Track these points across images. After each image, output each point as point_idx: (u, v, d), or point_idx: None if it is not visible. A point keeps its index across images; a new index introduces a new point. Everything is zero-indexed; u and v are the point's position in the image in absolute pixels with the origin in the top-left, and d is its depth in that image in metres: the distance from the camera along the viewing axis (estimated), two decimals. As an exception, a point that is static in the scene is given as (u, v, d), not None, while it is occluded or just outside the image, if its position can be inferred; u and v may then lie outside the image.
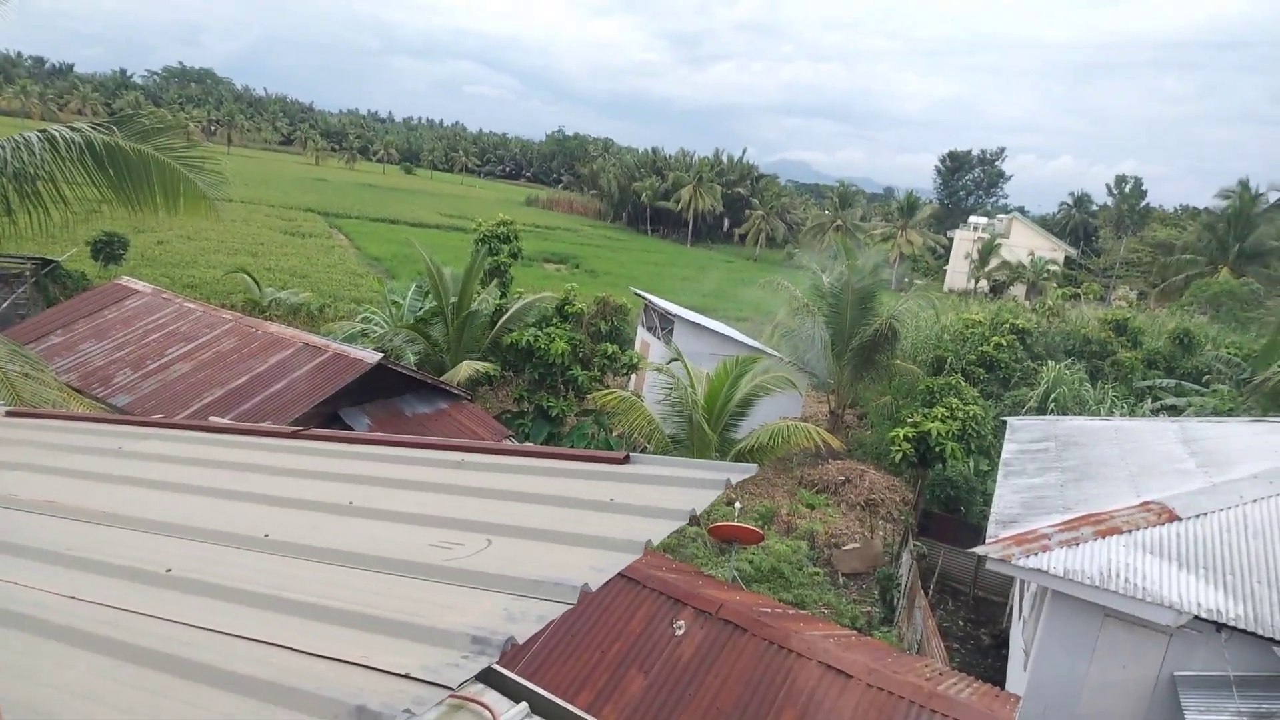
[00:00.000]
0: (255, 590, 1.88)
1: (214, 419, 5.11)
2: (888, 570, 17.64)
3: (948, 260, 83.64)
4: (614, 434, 21.44)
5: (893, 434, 19.96)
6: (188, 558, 2.17)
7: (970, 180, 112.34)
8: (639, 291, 32.72)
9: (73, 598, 1.92)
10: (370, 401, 15.14)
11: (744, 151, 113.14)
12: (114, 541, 2.34)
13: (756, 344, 27.46)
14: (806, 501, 20.37)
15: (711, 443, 16.54)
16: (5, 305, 25.59)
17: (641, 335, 30.62)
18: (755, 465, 2.86)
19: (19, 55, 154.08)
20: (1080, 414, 22.57)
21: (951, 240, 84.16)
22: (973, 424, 19.73)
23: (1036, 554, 10.63)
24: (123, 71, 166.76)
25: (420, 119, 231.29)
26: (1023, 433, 16.79)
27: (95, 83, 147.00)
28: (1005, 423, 18.12)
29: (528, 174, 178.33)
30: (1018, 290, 70.32)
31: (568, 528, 2.24)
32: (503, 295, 25.50)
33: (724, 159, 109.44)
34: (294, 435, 3.74)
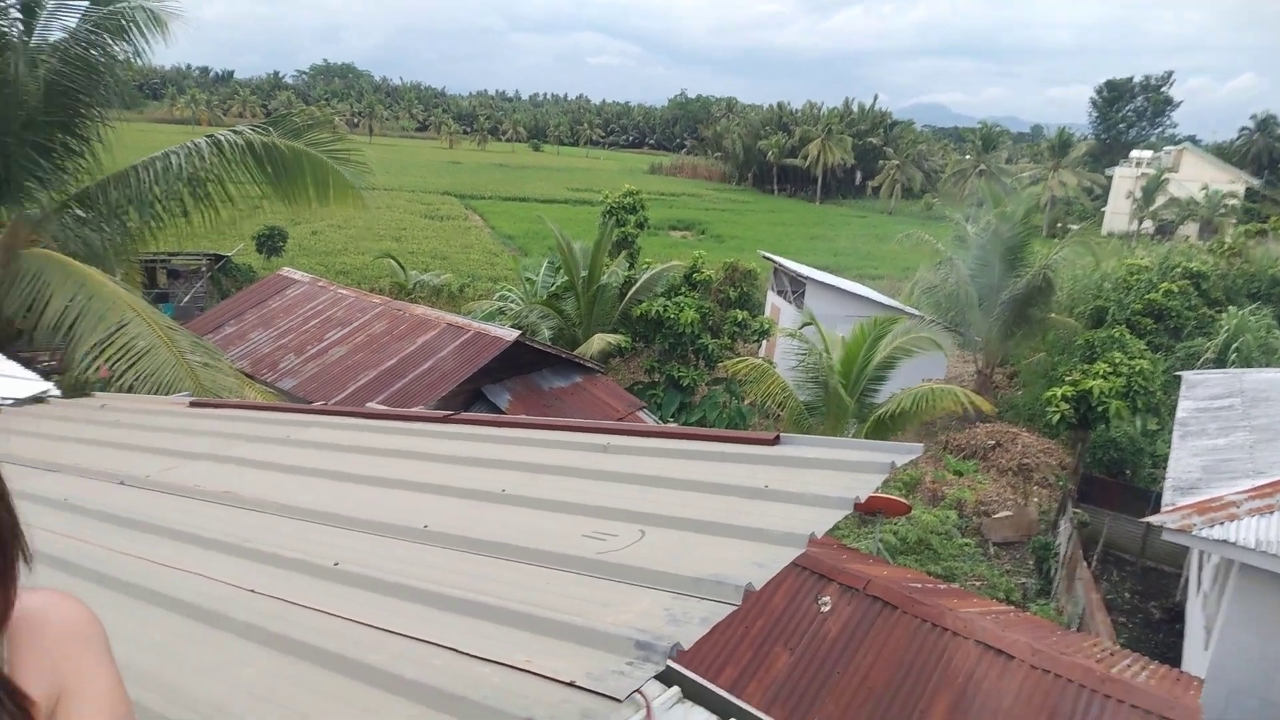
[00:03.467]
0: (417, 585, 1.90)
1: (371, 405, 5.36)
2: (1044, 539, 16.62)
3: (1106, 201, 76.89)
4: (746, 402, 21.23)
5: (1049, 394, 18.69)
6: (353, 549, 2.23)
7: (1132, 111, 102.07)
8: (768, 254, 32.07)
9: (252, 591, 2.01)
10: (510, 377, 15.64)
11: (875, 99, 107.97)
12: (287, 532, 2.45)
13: (895, 303, 26.33)
14: (953, 468, 19.46)
15: (850, 409, 16.03)
16: (186, 299, 28.22)
17: (772, 300, 30.05)
18: (919, 445, 2.65)
19: (188, 67, 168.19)
20: (1269, 365, 20.28)
21: (1110, 179, 77.12)
22: (1139, 380, 18.18)
23: (1223, 523, 9.64)
24: (276, 74, 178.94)
25: (545, 95, 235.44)
26: (1201, 388, 15.26)
27: (252, 86, 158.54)
28: (1179, 378, 16.54)
29: (651, 141, 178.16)
30: (1189, 229, 63.77)
31: (722, 517, 2.14)
32: (631, 266, 25.65)
33: (854, 109, 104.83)
34: (445, 420, 3.83)
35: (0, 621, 0.80)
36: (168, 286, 29.22)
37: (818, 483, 2.34)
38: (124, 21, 9.43)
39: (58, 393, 6.90)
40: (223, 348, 14.61)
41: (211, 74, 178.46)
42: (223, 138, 10.13)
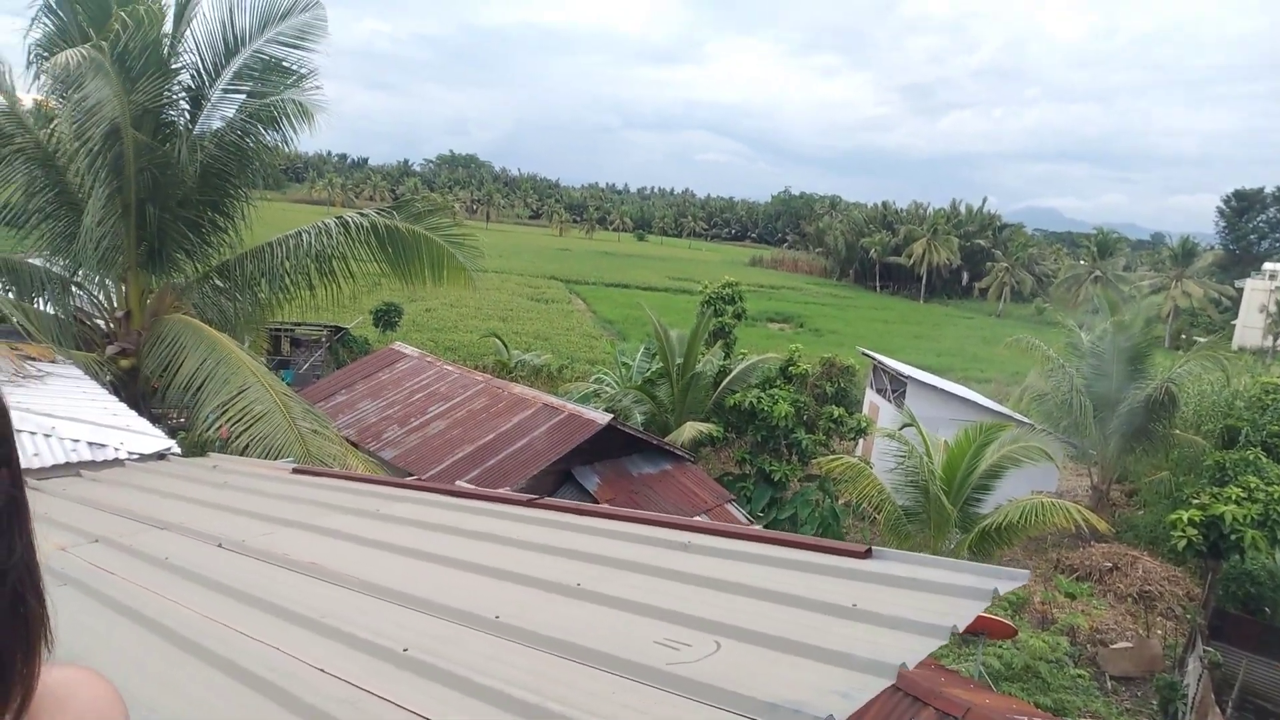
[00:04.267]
0: (483, 682, 1.85)
1: (459, 484, 5.44)
2: (1169, 678, 15.04)
3: (1236, 314, 72.34)
4: (840, 502, 20.49)
5: (1173, 516, 17.26)
6: (424, 635, 2.21)
7: (1264, 222, 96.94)
8: (867, 351, 31.48)
9: (321, 670, 2.00)
10: (600, 460, 15.68)
11: (984, 201, 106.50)
12: (362, 610, 2.46)
13: (1002, 409, 25.20)
14: (1065, 590, 18.05)
15: (951, 518, 15.23)
16: (305, 367, 29.89)
17: (870, 398, 29.30)
18: (1025, 571, 2.45)
19: (328, 153, 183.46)
20: None
21: (1241, 291, 72.74)
22: (1278, 508, 16.57)
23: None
24: (405, 161, 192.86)
25: (653, 188, 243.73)
26: (1356, 524, 13.77)
27: (383, 172, 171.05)
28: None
29: (753, 235, 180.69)
30: (1334, 347, 59.04)
31: (805, 636, 2.01)
32: (727, 356, 25.62)
33: (961, 209, 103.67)
34: (528, 504, 3.83)
35: (22, 705, 0.80)
36: (290, 354, 31.09)
37: (912, 605, 2.18)
38: (276, 112, 10.37)
39: (178, 451, 7.33)
40: (333, 415, 15.29)
41: (349, 160, 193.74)
42: (349, 219, 10.86)
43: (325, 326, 31.62)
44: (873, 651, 1.89)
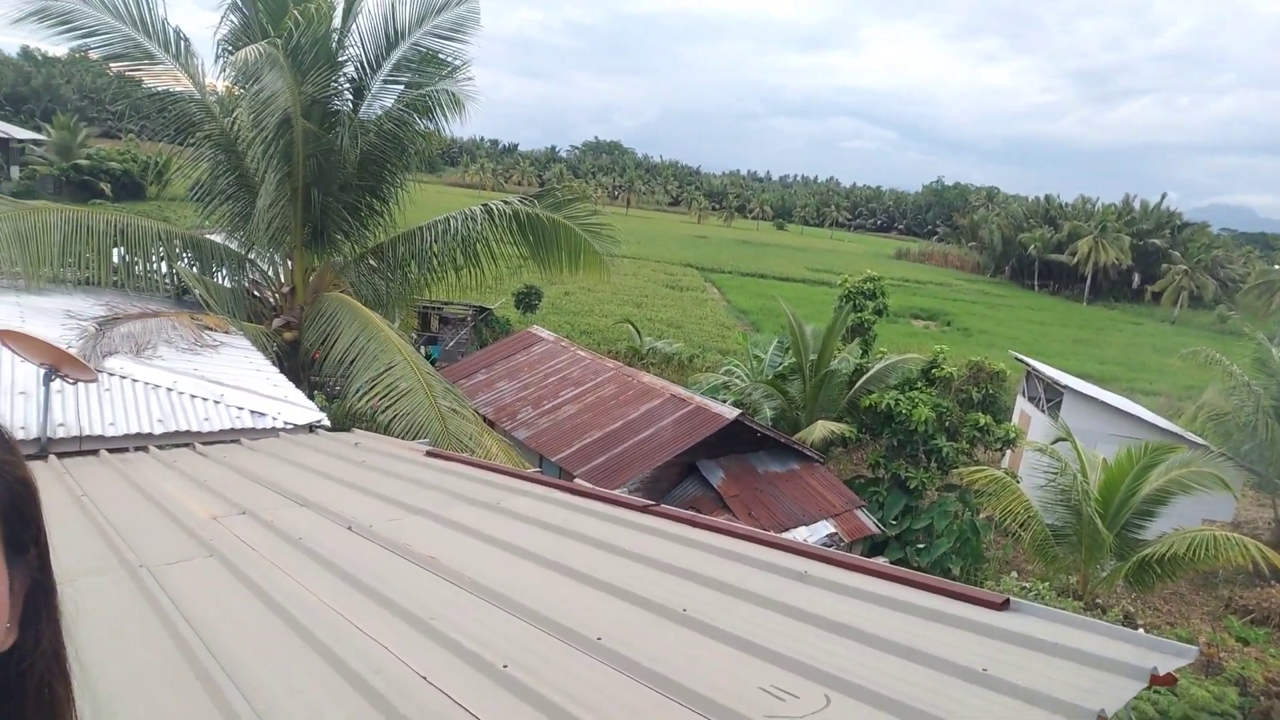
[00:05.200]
0: (577, 713, 1.79)
1: (579, 481, 5.47)
2: (1364, 745, 13.28)
3: None
4: (982, 516, 19.36)
5: (1378, 562, 15.17)
6: (525, 651, 2.19)
7: None
8: (1020, 356, 29.52)
9: (424, 679, 2.01)
10: (726, 455, 15.53)
11: (1163, 197, 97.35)
12: (470, 616, 2.48)
13: (1173, 427, 22.98)
14: (1237, 634, 16.28)
15: (1106, 543, 14.05)
16: (452, 344, 31.37)
17: (1021, 406, 27.50)
18: (1195, 649, 2.14)
19: (481, 139, 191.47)
20: None
21: None
22: None
23: None
24: (552, 148, 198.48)
25: (795, 176, 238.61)
26: None
27: (532, 158, 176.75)
28: None
29: (900, 226, 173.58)
30: None
31: (926, 701, 1.83)
32: (864, 354, 24.71)
33: (1135, 206, 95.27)
34: (645, 510, 3.78)
35: None
36: (439, 331, 32.72)
37: (1051, 676, 1.95)
38: (430, 102, 10.83)
39: (328, 424, 7.82)
40: (472, 393, 15.95)
41: (500, 145, 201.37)
42: (494, 206, 11.23)
43: (471, 306, 32.99)
44: (1003, 731, 1.69)
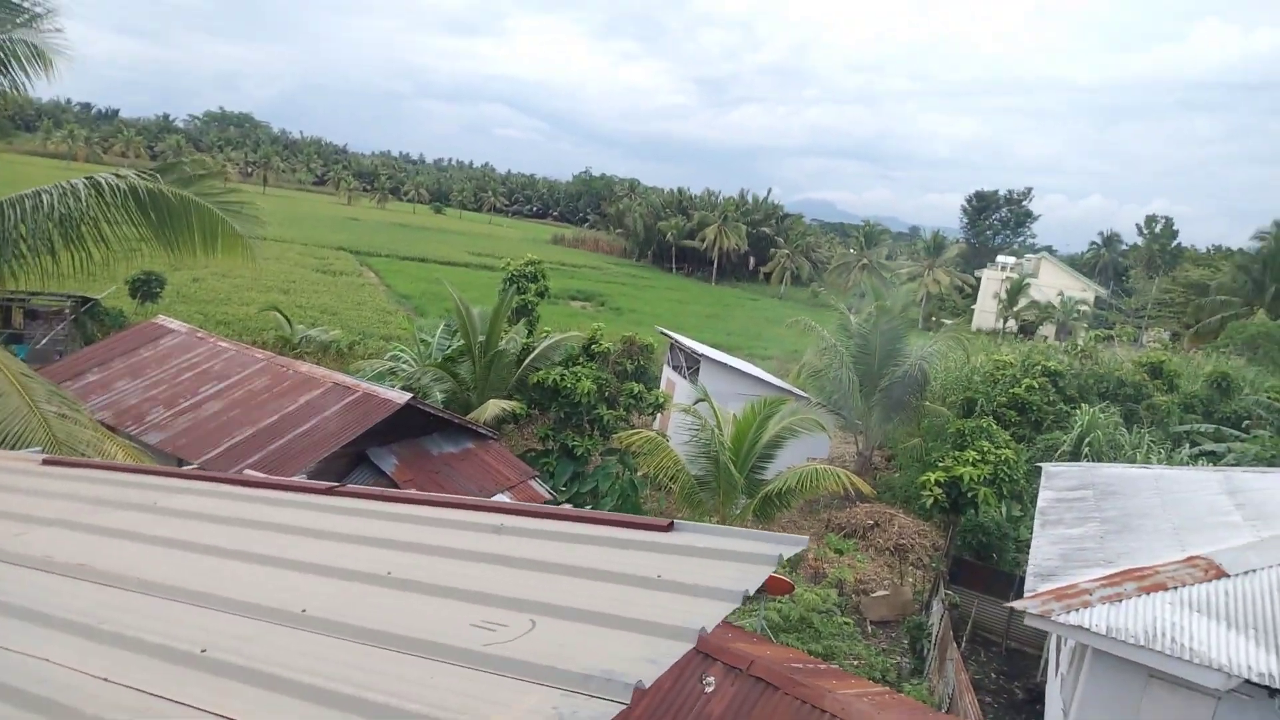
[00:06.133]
0: (293, 678, 1.80)
1: (249, 472, 5.09)
2: (918, 619, 17.19)
3: (975, 300, 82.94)
4: (639, 474, 21.27)
5: (923, 478, 19.61)
6: (224, 635, 2.10)
7: (997, 220, 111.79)
8: (665, 330, 32.72)
9: (105, 679, 1.85)
10: (398, 441, 15.16)
11: (769, 191, 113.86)
12: (149, 613, 2.28)
13: (784, 384, 27.24)
14: (835, 546, 19.98)
15: (739, 485, 16.32)
16: (44, 342, 26.13)
17: (667, 374, 30.53)
18: (805, 538, 2.75)
19: (68, 101, 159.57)
20: (1116, 459, 22.04)
21: (979, 280, 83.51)
22: (1005, 468, 19.33)
23: (1077, 610, 10.28)
24: (166, 116, 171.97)
25: (451, 160, 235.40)
26: (1059, 480, 16.39)
27: (139, 127, 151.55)
28: (1039, 468, 17.72)
29: (555, 213, 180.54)
30: (1047, 330, 69.43)
31: (614, 609, 2.15)
32: (530, 334, 25.60)
33: (749, 199, 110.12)
34: (329, 492, 3.69)
35: None
36: (24, 327, 27.02)
37: (708, 573, 2.39)
38: (4, 54, 8.95)
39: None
40: (83, 397, 13.54)
41: (94, 110, 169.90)
42: (103, 180, 9.62)
43: (69, 296, 27.78)
44: (676, 618, 2.05)
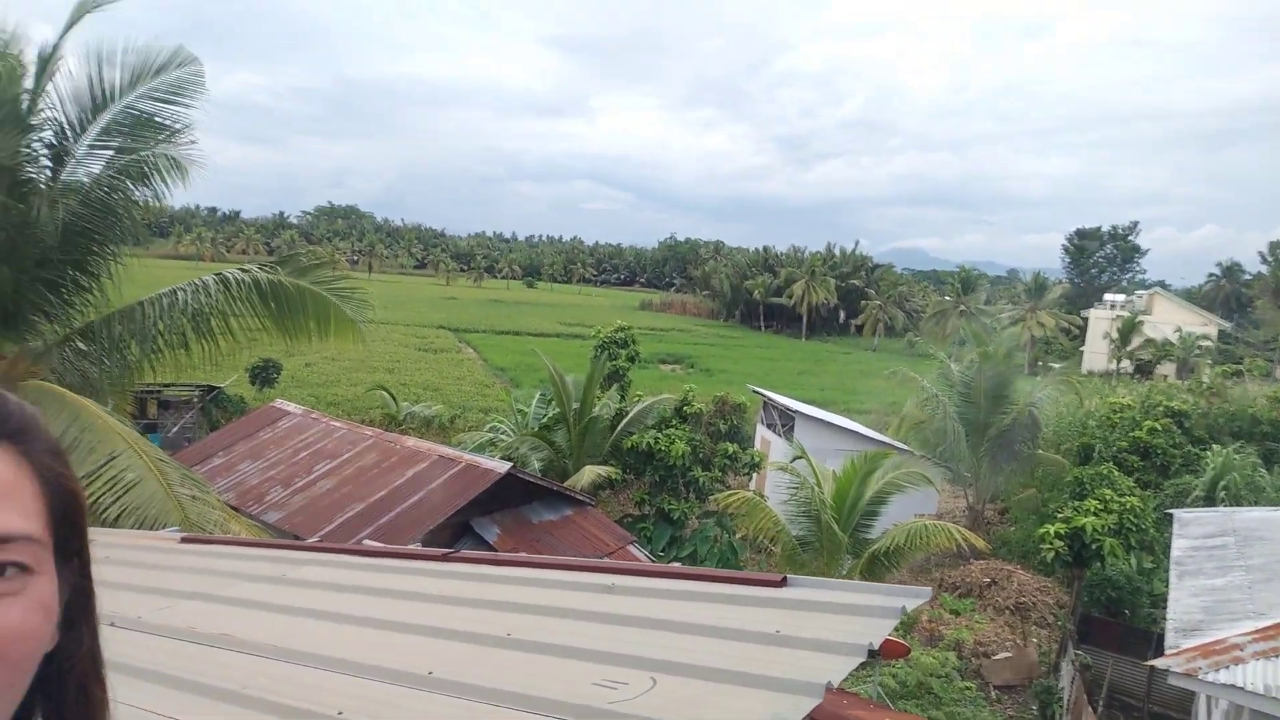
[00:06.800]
0: (427, 737, 1.85)
1: (367, 542, 5.30)
2: (1046, 682, 16.04)
3: (1084, 341, 79.00)
4: (738, 536, 20.90)
5: (1041, 531, 18.55)
6: (357, 698, 2.18)
7: (1102, 257, 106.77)
8: (757, 389, 32.48)
9: (255, 742, 1.95)
10: (499, 510, 15.42)
11: (856, 244, 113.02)
12: (287, 679, 2.40)
13: (884, 438, 26.48)
14: (950, 606, 18.98)
15: (843, 544, 15.82)
16: (175, 430, 28.06)
17: (761, 433, 30.16)
18: (928, 590, 2.66)
19: (197, 207, 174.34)
20: (1257, 503, 20.29)
21: (1086, 320, 79.64)
22: (1131, 517, 18.11)
23: (1228, 667, 9.40)
24: (280, 213, 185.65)
25: (541, 236, 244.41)
26: (1194, 527, 15.20)
27: (257, 225, 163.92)
28: (1169, 515, 16.50)
29: (641, 280, 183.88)
30: (1166, 369, 65.23)
31: (733, 665, 2.12)
32: (622, 399, 25.86)
33: (836, 252, 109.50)
34: (444, 558, 3.80)
35: None
36: (157, 417, 29.12)
37: (829, 628, 2.34)
38: (147, 168, 9.91)
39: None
40: (210, 479, 14.41)
41: (219, 213, 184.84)
42: (230, 275, 10.43)
43: (196, 386, 29.87)
44: (800, 674, 2.02)
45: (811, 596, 2.59)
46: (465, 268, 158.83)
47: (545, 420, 24.03)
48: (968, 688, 15.10)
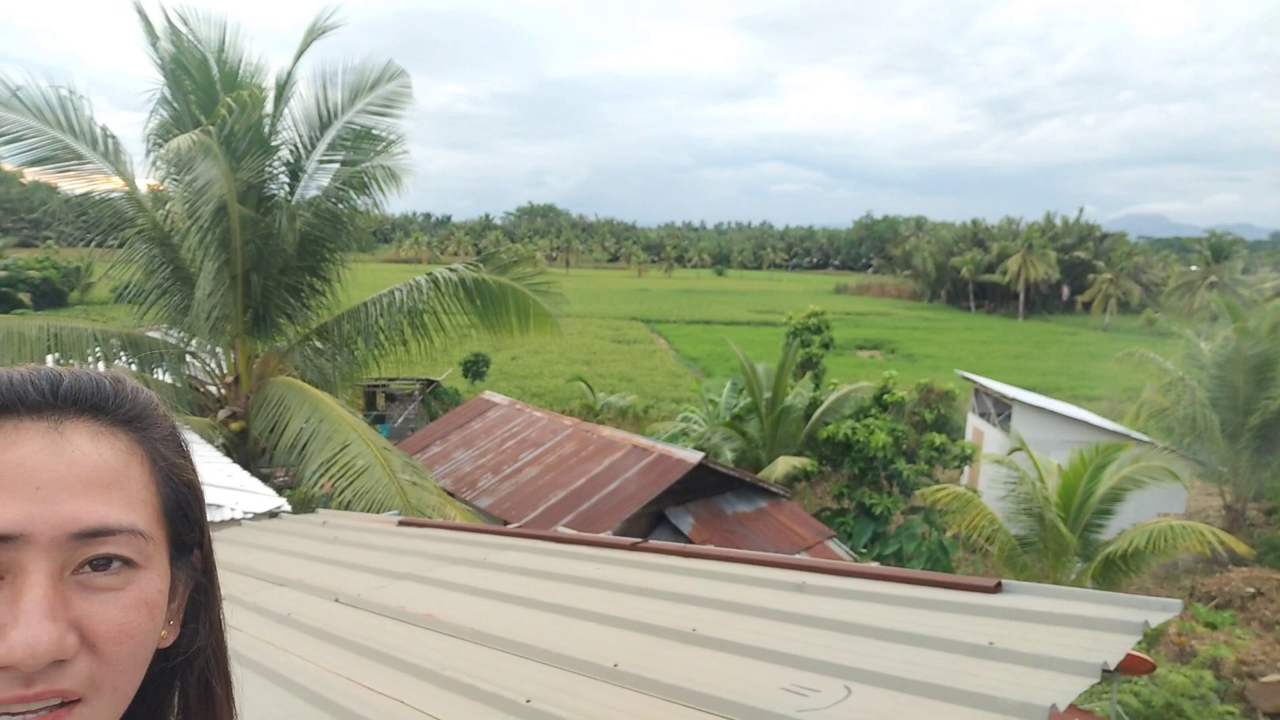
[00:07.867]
0: (608, 733, 1.80)
1: (561, 529, 5.45)
2: (1338, 715, 13.64)
3: (1374, 312, 66.70)
4: (949, 534, 19.63)
5: (1324, 535, 15.81)
6: (544, 686, 2.19)
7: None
8: (967, 374, 30.36)
9: (446, 723, 1.99)
10: (693, 500, 15.51)
11: (1081, 211, 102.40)
12: (481, 662, 2.46)
13: (1118, 427, 23.80)
14: (1204, 619, 16.69)
15: (1072, 546, 14.37)
16: (400, 421, 30.87)
17: (973, 423, 28.18)
18: (1178, 602, 2.25)
19: (414, 213, 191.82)
20: None
21: (1378, 287, 67.13)
22: None
23: None
24: (486, 216, 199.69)
25: (729, 223, 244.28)
26: None
27: (466, 228, 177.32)
28: None
29: (835, 262, 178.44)
30: None
31: (941, 679, 1.89)
32: (816, 387, 25.14)
33: (1057, 222, 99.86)
34: (633, 548, 3.79)
35: None
36: (385, 409, 32.20)
37: (1053, 641, 2.03)
38: (366, 178, 10.90)
39: (289, 508, 7.63)
40: (429, 466, 15.69)
41: (433, 219, 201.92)
42: (439, 275, 11.25)
43: (418, 380, 32.64)
44: (1018, 692, 1.75)
45: (1031, 605, 2.27)
46: (656, 259, 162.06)
47: (737, 410, 23.89)
48: (1229, 712, 13.19)
